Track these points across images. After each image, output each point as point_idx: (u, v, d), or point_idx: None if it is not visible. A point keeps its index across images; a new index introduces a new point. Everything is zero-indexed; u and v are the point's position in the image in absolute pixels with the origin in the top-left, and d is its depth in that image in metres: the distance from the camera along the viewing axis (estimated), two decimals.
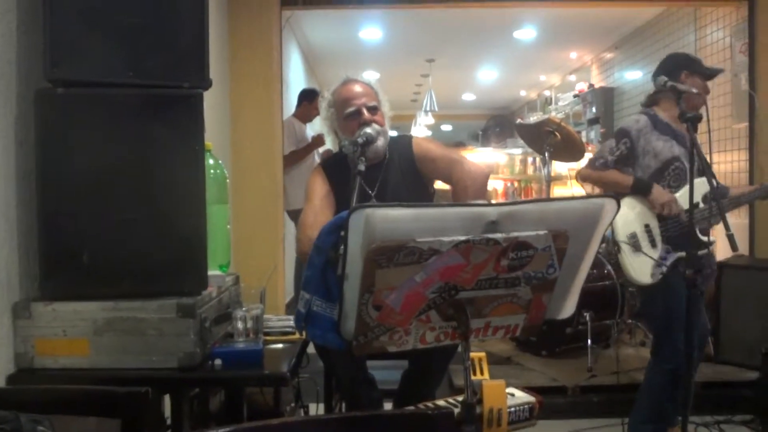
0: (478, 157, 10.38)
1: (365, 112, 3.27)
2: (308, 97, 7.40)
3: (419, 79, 13.43)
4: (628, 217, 3.89)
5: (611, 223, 2.49)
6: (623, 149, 3.91)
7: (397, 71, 12.61)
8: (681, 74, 3.89)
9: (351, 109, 3.27)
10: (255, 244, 5.80)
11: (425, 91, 12.54)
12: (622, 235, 3.87)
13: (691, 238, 3.51)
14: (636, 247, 3.85)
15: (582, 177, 4.08)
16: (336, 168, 3.31)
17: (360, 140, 3.09)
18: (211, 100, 4.36)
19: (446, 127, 20.91)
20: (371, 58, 11.30)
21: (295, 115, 7.39)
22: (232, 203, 5.53)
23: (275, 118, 6.02)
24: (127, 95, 2.50)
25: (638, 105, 4.24)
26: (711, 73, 3.95)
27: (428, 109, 11.98)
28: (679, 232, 3.82)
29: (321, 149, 7.35)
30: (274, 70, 5.99)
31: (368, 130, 3.19)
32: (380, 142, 3.24)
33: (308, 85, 10.38)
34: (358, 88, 3.31)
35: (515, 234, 1.77)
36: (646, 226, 3.88)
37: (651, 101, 4.05)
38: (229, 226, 3.10)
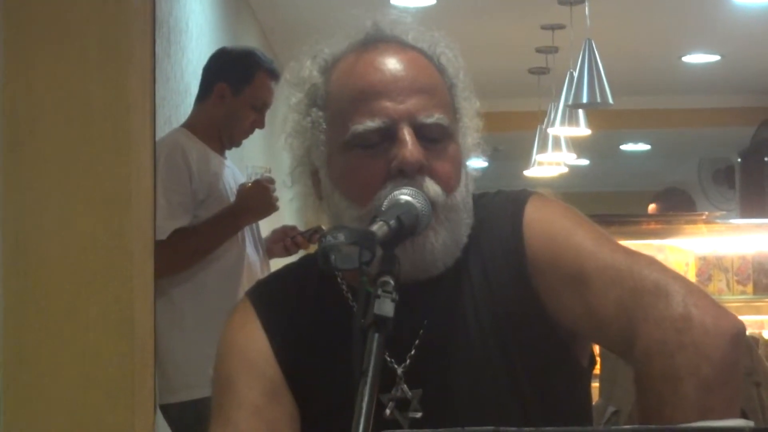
0: (721, 247, 4.50)
1: (409, 137, 1.20)
2: (231, 73, 2.92)
3: (539, 34, 5.64)
4: None
5: None
6: None
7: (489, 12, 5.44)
8: None
9: (371, 123, 1.20)
10: None
11: (565, 51, 5.12)
12: None
13: None
14: None
15: None
16: (299, 308, 1.29)
17: (379, 227, 1.07)
18: None
19: (632, 146, 9.19)
20: None
21: (191, 125, 2.97)
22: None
23: (136, 143, 2.30)
24: None
25: None
26: None
27: (584, 99, 4.41)
28: None
29: (263, 222, 3.08)
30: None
31: (405, 196, 1.15)
32: (440, 240, 1.21)
33: (233, 42, 4.36)
34: (396, 66, 1.24)
35: None
36: None
37: None
38: None
